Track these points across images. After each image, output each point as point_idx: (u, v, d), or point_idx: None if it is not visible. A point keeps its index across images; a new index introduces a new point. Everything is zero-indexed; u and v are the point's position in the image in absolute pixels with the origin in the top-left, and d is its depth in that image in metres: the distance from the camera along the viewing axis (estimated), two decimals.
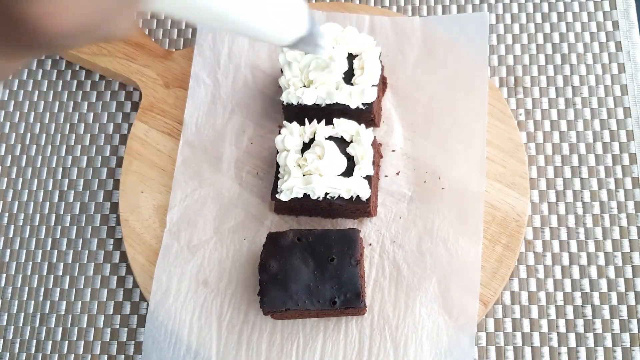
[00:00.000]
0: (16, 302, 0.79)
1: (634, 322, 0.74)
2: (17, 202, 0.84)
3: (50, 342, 0.77)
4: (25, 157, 0.86)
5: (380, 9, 0.89)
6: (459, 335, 0.72)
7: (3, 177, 0.85)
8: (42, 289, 0.80)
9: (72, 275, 0.80)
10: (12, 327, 0.78)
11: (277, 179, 0.73)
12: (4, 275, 0.80)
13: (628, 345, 0.73)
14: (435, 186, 0.78)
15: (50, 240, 0.82)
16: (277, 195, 0.72)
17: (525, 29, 0.88)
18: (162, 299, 0.75)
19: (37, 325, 0.78)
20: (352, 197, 0.71)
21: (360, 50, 0.77)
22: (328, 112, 0.75)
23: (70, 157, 0.86)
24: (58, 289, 0.79)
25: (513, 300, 0.75)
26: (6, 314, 0.79)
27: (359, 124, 0.74)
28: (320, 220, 0.78)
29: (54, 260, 0.81)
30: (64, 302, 0.79)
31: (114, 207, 0.83)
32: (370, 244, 0.76)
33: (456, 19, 0.86)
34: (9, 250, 0.81)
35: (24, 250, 0.81)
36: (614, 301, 0.75)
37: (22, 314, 0.78)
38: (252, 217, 0.78)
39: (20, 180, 0.85)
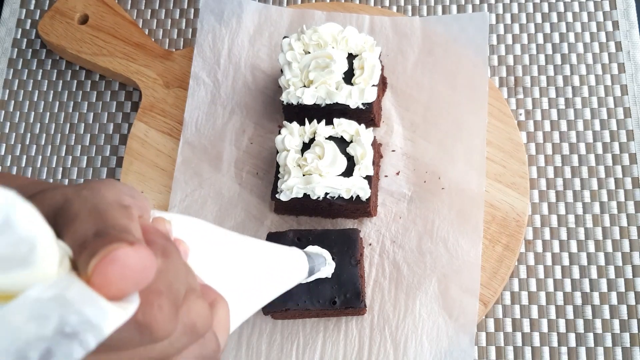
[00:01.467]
0: None
1: (634, 322, 0.74)
2: None
3: None
4: (25, 157, 0.86)
5: (380, 9, 0.89)
6: (459, 335, 0.72)
7: None
8: None
9: None
10: None
11: (277, 179, 0.73)
12: None
13: (628, 345, 0.73)
14: (435, 186, 0.78)
15: None
16: (277, 195, 0.72)
17: (525, 29, 0.88)
18: None
19: None
20: (352, 197, 0.71)
21: (360, 50, 0.77)
22: (328, 112, 0.75)
23: (70, 157, 0.86)
24: None
25: (513, 300, 0.75)
26: None
27: (359, 124, 0.74)
28: (320, 220, 0.78)
29: None
30: None
31: None
32: (370, 244, 0.76)
33: (456, 19, 0.86)
34: None
35: None
36: (614, 301, 0.75)
37: None
38: (252, 217, 0.78)
39: None
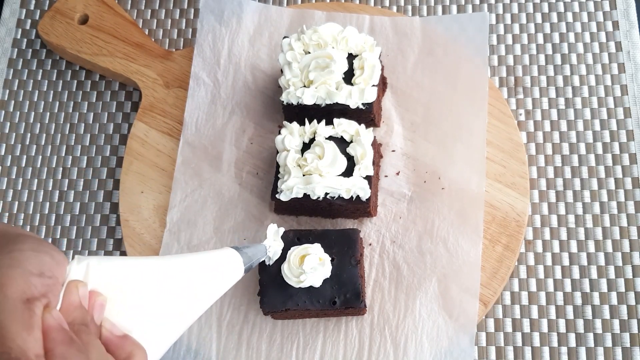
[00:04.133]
0: None
1: (634, 322, 0.74)
2: (17, 202, 0.83)
3: None
4: (25, 157, 0.86)
5: (380, 9, 0.89)
6: (459, 335, 0.72)
7: (3, 177, 0.85)
8: None
9: None
10: None
11: (277, 179, 0.73)
12: None
13: (628, 345, 0.73)
14: (435, 186, 0.78)
15: (50, 240, 0.81)
16: (277, 195, 0.72)
17: (525, 29, 0.88)
18: None
19: None
20: (352, 197, 0.71)
21: (360, 50, 0.77)
22: (328, 112, 0.75)
23: (70, 157, 0.86)
24: None
25: (513, 300, 0.75)
26: None
27: (359, 124, 0.74)
28: (320, 220, 0.78)
29: None
30: None
31: (114, 207, 0.83)
32: (370, 244, 0.76)
33: (456, 19, 0.86)
34: None
35: None
36: (614, 301, 0.75)
37: None
38: (252, 217, 0.78)
39: (20, 180, 0.85)
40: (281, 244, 0.68)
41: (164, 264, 0.51)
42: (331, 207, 0.74)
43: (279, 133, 0.74)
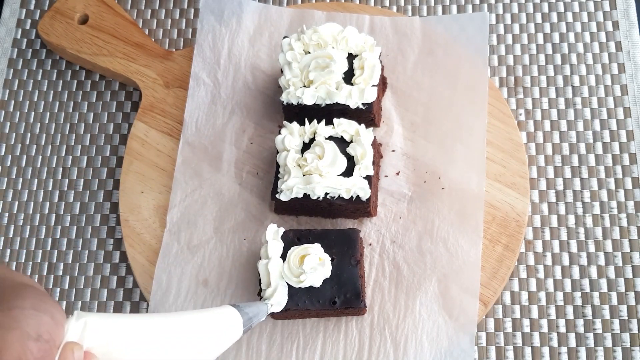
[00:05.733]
0: None
1: (634, 322, 0.74)
2: (17, 202, 0.83)
3: None
4: (25, 157, 0.86)
5: (380, 9, 0.89)
6: (459, 335, 0.72)
7: (3, 177, 0.85)
8: None
9: (72, 276, 0.80)
10: None
11: (277, 179, 0.73)
12: None
13: (628, 345, 0.73)
14: (435, 186, 0.78)
15: (50, 240, 0.82)
16: (277, 195, 0.72)
17: (525, 29, 0.88)
18: (162, 299, 0.75)
19: None
20: (352, 197, 0.71)
21: (360, 50, 0.77)
22: (328, 112, 0.75)
23: (70, 157, 0.86)
24: (58, 289, 0.79)
25: (513, 300, 0.75)
26: None
27: (359, 124, 0.74)
28: (320, 220, 0.78)
29: (54, 260, 0.80)
30: (64, 302, 0.79)
31: (114, 207, 0.83)
32: (370, 244, 0.76)
33: (456, 19, 0.86)
34: (9, 250, 0.81)
35: (24, 250, 0.81)
36: (614, 301, 0.75)
37: None
38: (252, 217, 0.78)
39: (20, 180, 0.85)
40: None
41: (163, 322, 0.51)
42: (331, 207, 0.74)
43: (279, 133, 0.74)
